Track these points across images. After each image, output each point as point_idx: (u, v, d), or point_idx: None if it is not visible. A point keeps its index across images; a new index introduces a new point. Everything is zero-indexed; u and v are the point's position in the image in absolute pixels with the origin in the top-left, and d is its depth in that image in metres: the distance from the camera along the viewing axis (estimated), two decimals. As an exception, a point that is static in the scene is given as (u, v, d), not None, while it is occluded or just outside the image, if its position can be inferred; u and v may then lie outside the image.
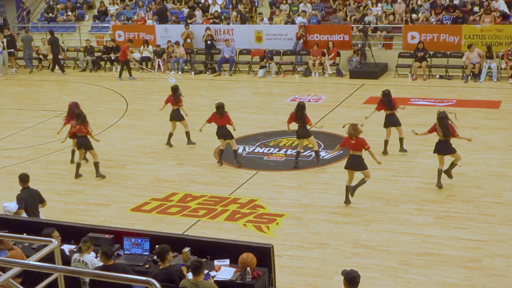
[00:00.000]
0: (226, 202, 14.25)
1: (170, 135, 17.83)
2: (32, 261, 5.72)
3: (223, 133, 16.14)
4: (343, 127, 14.06)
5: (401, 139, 16.28)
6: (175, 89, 17.77)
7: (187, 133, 17.78)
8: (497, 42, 23.66)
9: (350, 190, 13.72)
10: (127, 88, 25.05)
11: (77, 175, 16.10)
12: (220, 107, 16.09)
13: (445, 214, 13.06)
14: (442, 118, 14.00)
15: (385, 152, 16.17)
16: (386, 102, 16.12)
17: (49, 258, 6.60)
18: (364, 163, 13.61)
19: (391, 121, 16.16)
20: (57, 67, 28.57)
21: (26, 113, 22.27)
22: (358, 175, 13.75)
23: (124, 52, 26.28)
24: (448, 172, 14.26)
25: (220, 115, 16.05)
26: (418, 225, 12.68)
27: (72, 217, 13.27)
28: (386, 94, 16.19)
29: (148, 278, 4.83)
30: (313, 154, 16.28)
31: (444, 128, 13.95)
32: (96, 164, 16.02)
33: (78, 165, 16.10)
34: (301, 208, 13.75)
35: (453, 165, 14.27)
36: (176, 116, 17.68)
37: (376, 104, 16.55)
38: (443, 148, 14.11)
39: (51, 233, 9.38)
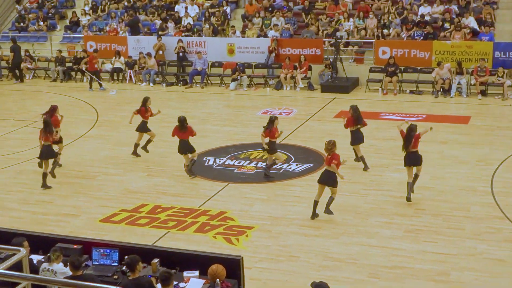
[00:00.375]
0: (196, 214, 14.20)
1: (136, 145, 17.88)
2: (0, 269, 5.63)
3: (185, 148, 16.10)
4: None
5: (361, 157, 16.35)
6: (144, 101, 17.75)
7: (136, 146, 17.85)
8: (467, 58, 23.94)
9: (325, 210, 13.67)
10: (97, 99, 24.91)
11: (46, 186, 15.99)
12: (181, 121, 16.06)
13: (414, 227, 13.13)
14: (410, 131, 14.10)
15: (365, 168, 16.22)
16: (355, 117, 16.17)
17: (17, 267, 6.53)
18: (336, 180, 13.60)
19: (357, 138, 16.24)
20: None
21: (-5, 123, 22.05)
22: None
23: (91, 62, 26.23)
24: (411, 186, 14.30)
25: (182, 129, 16.02)
26: (388, 238, 12.74)
27: (40, 228, 13.11)
28: (355, 109, 16.25)
29: None
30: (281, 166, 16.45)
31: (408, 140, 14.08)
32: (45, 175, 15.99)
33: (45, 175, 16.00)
34: (271, 220, 13.74)
35: (416, 177, 14.34)
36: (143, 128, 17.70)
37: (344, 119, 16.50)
38: (414, 159, 14.20)
39: (22, 243, 9.28)
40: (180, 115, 16.35)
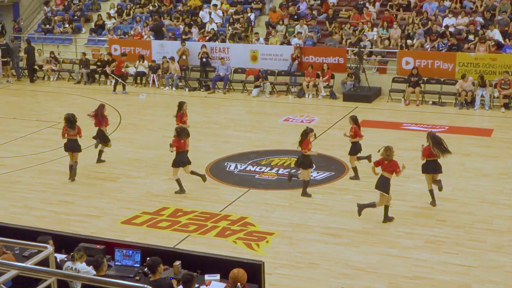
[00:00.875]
0: (217, 219, 14.26)
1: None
2: (29, 264, 5.71)
3: (184, 160, 15.80)
4: (378, 151, 14.02)
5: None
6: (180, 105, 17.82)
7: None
8: (490, 71, 23.85)
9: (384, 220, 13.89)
10: (121, 102, 25.07)
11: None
12: (180, 132, 15.72)
13: (436, 238, 13.11)
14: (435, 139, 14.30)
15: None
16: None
17: (43, 264, 6.60)
18: (388, 187, 13.74)
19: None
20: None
21: (19, 123, 22.25)
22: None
23: (118, 66, 26.43)
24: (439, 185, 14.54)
25: (180, 138, 15.66)
26: (408, 248, 12.73)
27: (63, 227, 13.22)
28: (355, 120, 16.39)
29: (145, 285, 4.85)
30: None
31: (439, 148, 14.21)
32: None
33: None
34: (291, 227, 13.77)
35: (439, 182, 14.50)
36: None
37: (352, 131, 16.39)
38: (435, 167, 14.38)
39: (47, 241, 9.36)
40: (179, 126, 16.32)
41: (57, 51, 30.25)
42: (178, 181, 15.69)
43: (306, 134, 15.14)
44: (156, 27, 29.34)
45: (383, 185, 13.74)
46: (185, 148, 15.92)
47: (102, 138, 17.82)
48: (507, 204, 14.78)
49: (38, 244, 6.83)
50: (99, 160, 17.92)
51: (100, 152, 17.97)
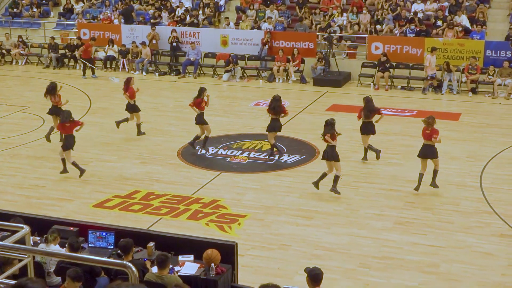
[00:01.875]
0: (189, 202, 14.35)
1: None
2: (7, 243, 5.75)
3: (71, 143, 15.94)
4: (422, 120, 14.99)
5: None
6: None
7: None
8: (458, 56, 24.14)
9: (431, 183, 14.63)
10: (90, 86, 24.94)
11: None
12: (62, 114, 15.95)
13: (405, 220, 13.34)
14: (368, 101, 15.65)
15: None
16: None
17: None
18: (436, 152, 14.65)
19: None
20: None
21: (-13, 107, 22.07)
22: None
23: (86, 50, 26.28)
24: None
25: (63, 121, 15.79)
26: (378, 229, 12.94)
27: (34, 211, 13.20)
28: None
29: (125, 262, 4.91)
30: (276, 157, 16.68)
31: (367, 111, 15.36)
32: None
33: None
34: (263, 209, 13.90)
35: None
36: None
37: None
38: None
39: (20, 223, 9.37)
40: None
41: (25, 35, 29.93)
42: (74, 163, 15.63)
43: (332, 126, 14.38)
44: (126, 11, 29.18)
45: (432, 152, 14.65)
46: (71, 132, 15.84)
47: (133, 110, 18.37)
48: (474, 186, 15.06)
49: (14, 224, 6.87)
50: (140, 133, 18.49)
51: (138, 125, 18.50)
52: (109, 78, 25.67)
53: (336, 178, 14.39)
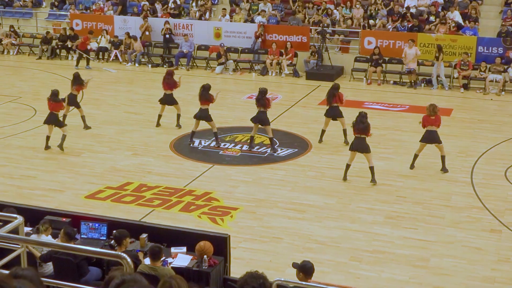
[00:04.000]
0: (181, 194, 14.37)
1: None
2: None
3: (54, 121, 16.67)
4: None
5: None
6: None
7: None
8: (451, 52, 24.21)
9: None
10: (83, 77, 24.74)
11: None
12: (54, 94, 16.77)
13: (396, 214, 13.41)
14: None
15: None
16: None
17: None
18: (439, 138, 15.40)
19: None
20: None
21: (-21, 97, 21.99)
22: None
23: (84, 43, 26.25)
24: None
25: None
26: (369, 223, 13.01)
27: (25, 202, 13.14)
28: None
29: (120, 253, 4.93)
30: (268, 150, 16.70)
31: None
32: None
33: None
34: (255, 202, 13.94)
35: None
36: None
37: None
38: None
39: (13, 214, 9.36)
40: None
41: (17, 25, 29.81)
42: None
43: (366, 118, 14.91)
44: (122, 2, 29.08)
45: (437, 136, 15.32)
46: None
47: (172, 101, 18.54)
48: (464, 181, 15.14)
49: (7, 214, 6.85)
50: (178, 125, 18.59)
51: (178, 115, 18.64)
52: (103, 69, 25.63)
53: (373, 170, 14.91)
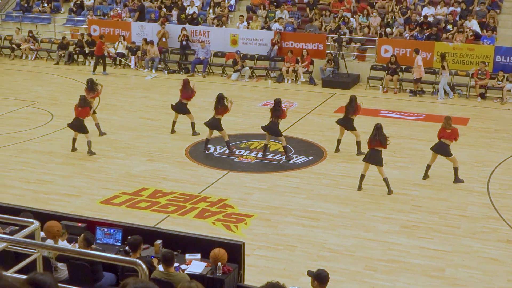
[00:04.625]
0: (196, 200, 14.38)
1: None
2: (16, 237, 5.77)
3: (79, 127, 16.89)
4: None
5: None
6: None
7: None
8: (468, 61, 24.12)
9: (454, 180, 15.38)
10: (100, 83, 24.88)
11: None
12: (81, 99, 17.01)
13: (411, 223, 13.34)
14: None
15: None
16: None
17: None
18: (450, 151, 15.35)
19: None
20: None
21: (-4, 101, 22.15)
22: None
23: (99, 48, 26.33)
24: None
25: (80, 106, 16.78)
26: (384, 232, 12.95)
27: (41, 206, 13.20)
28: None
29: (135, 259, 4.93)
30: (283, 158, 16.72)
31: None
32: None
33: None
34: (270, 210, 13.93)
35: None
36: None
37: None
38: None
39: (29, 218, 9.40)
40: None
41: (35, 31, 30.01)
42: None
43: (382, 130, 14.97)
44: (141, 8, 29.19)
45: (446, 150, 15.33)
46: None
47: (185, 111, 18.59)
48: (481, 191, 15.05)
49: (24, 219, 6.88)
50: (194, 133, 18.56)
51: (193, 124, 18.64)
52: (146, 79, 25.73)
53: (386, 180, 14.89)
